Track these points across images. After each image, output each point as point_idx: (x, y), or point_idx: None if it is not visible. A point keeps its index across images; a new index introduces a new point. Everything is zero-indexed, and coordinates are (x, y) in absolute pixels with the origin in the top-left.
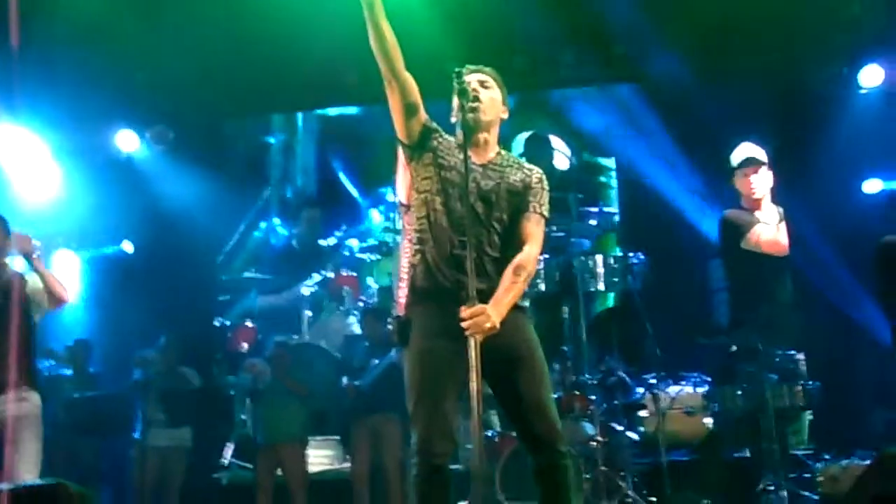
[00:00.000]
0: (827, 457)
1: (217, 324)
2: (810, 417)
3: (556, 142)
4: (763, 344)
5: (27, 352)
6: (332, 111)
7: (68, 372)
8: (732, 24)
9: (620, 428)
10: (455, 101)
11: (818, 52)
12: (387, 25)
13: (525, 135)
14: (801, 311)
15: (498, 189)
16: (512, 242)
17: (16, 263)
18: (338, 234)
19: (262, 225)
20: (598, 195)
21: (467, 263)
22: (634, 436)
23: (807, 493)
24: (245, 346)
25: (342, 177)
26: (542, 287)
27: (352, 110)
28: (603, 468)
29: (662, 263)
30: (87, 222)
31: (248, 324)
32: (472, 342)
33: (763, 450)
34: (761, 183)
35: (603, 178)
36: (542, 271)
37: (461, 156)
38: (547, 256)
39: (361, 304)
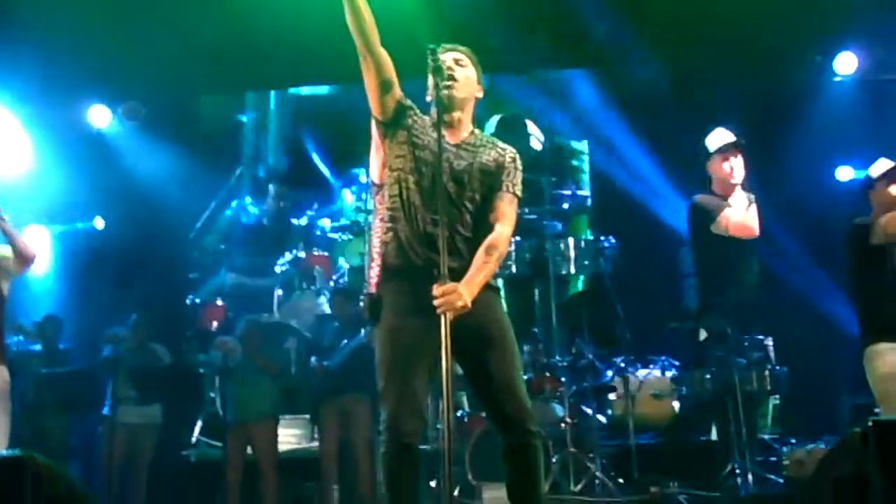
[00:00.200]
0: (793, 441)
1: (188, 301)
2: (777, 402)
3: (530, 125)
4: (731, 328)
5: None
6: (306, 91)
7: (37, 348)
8: (706, 11)
9: (589, 410)
10: (430, 79)
11: (792, 40)
12: (363, 1)
13: (497, 117)
14: (767, 293)
15: (470, 169)
16: (484, 222)
17: None
18: (310, 213)
19: (234, 203)
20: (571, 178)
21: (439, 242)
22: (603, 418)
23: (772, 477)
24: (215, 324)
25: (315, 156)
26: (514, 269)
27: (325, 90)
28: (572, 450)
29: (633, 247)
30: (57, 197)
31: (218, 302)
32: (443, 320)
33: (730, 433)
34: (739, 167)
35: (575, 162)
36: (514, 253)
37: (435, 135)
38: (519, 239)
39: (332, 283)
